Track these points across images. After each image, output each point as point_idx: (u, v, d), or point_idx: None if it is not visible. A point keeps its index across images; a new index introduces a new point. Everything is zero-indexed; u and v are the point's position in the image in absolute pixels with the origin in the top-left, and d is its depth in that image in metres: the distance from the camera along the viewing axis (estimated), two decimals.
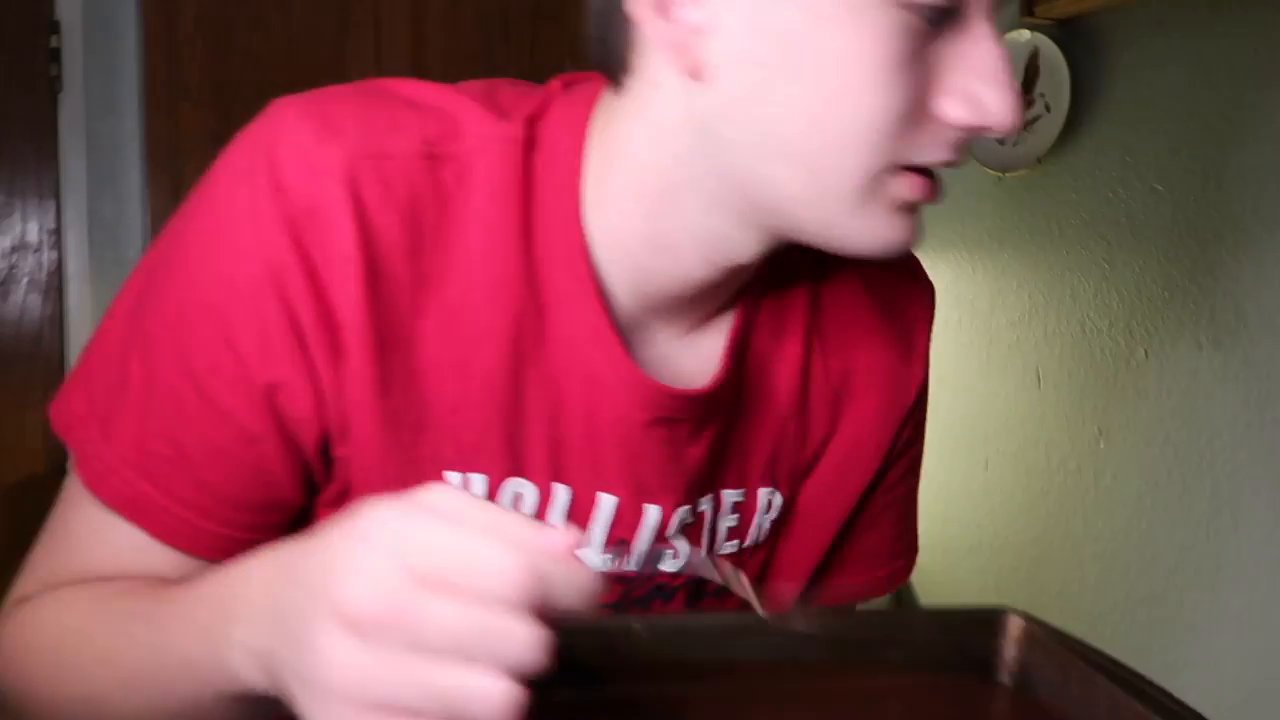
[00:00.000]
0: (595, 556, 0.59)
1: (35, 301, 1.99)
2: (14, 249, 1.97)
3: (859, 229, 0.52)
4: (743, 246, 0.55)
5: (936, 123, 0.50)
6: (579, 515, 0.59)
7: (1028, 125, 1.69)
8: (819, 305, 0.66)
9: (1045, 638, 0.45)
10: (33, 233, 1.99)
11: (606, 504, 0.59)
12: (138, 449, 0.53)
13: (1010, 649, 0.46)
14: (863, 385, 0.68)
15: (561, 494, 0.58)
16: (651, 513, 0.60)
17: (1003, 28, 1.72)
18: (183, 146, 1.82)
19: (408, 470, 0.54)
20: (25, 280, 1.99)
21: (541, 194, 0.54)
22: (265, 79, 1.87)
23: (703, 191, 0.53)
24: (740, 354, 0.62)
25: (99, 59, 2.00)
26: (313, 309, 0.50)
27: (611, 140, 0.54)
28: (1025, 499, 1.74)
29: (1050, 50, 1.63)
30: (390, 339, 0.52)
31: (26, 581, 0.60)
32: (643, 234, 0.54)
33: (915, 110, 0.49)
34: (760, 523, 0.66)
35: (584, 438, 0.57)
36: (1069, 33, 1.62)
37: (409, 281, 0.52)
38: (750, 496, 0.65)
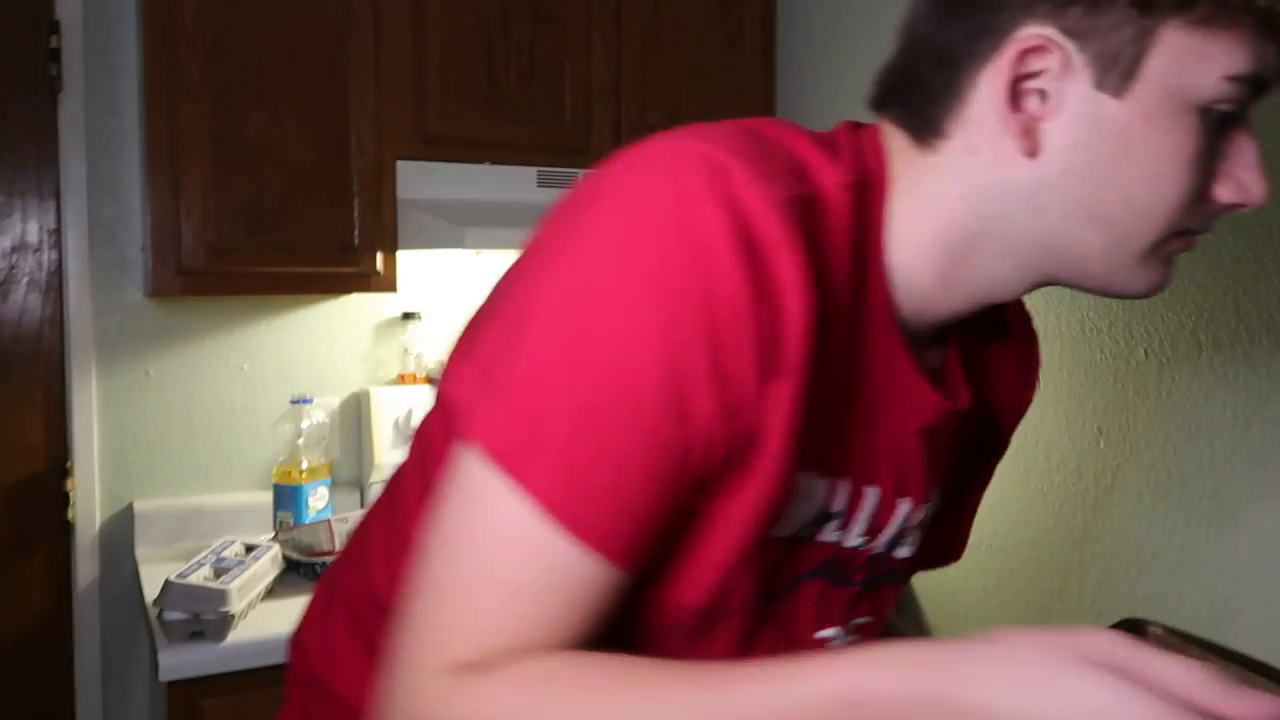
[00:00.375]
0: (856, 537, 0.68)
1: (35, 301, 1.99)
2: (14, 249, 1.97)
3: (1137, 278, 0.63)
4: (1013, 289, 0.65)
5: (1212, 202, 0.62)
6: (882, 514, 0.68)
7: None
8: (967, 335, 0.75)
9: (1179, 640, 0.53)
10: (33, 233, 1.99)
11: (871, 496, 0.68)
12: (595, 482, 0.52)
13: None
14: (1000, 406, 0.81)
15: (871, 495, 0.67)
16: (903, 506, 0.70)
17: None
18: (183, 146, 1.82)
19: (787, 480, 0.58)
20: (25, 280, 1.99)
21: (871, 238, 0.62)
22: (265, 79, 1.87)
23: (1004, 243, 0.62)
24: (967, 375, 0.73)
25: (99, 59, 2.01)
26: (772, 332, 0.53)
27: (921, 192, 0.63)
28: (1025, 499, 1.74)
29: None
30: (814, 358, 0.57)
31: (462, 644, 0.54)
32: (937, 274, 0.63)
33: (1202, 191, 0.61)
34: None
35: (880, 441, 0.66)
36: None
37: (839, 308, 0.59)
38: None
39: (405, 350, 2.23)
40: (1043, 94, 0.58)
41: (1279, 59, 0.58)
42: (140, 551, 2.04)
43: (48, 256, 2.00)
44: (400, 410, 2.17)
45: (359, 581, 0.76)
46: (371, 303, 2.22)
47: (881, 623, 0.75)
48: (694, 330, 0.51)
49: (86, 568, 2.03)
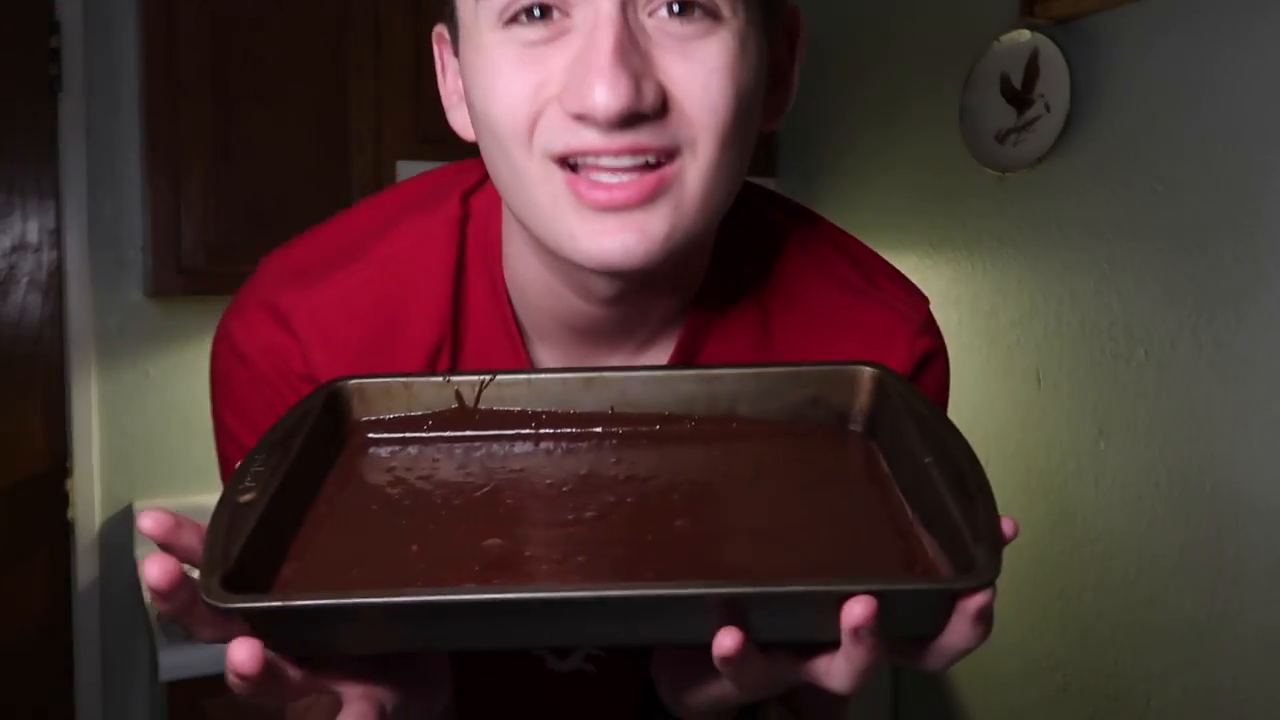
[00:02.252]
0: None
1: (35, 301, 1.99)
2: (14, 249, 1.97)
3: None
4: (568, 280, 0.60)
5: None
6: None
7: (1028, 125, 1.69)
8: (769, 328, 0.67)
9: (895, 391, 0.53)
10: (33, 233, 1.99)
11: None
12: None
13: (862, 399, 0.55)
14: None
15: None
16: None
17: (1003, 28, 1.73)
18: (183, 146, 1.82)
19: None
20: (25, 280, 1.99)
21: (472, 259, 0.63)
22: (265, 79, 1.87)
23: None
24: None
25: (99, 59, 2.00)
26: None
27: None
28: (1025, 499, 1.74)
29: (1050, 50, 1.63)
30: None
31: None
32: (535, 280, 0.60)
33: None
34: None
35: None
36: (1069, 33, 1.62)
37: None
38: None
39: None
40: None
41: None
42: (140, 551, 2.04)
43: (48, 256, 2.00)
44: None
45: None
46: None
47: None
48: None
49: (86, 568, 2.03)
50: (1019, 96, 1.70)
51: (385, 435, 0.55)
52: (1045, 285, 1.69)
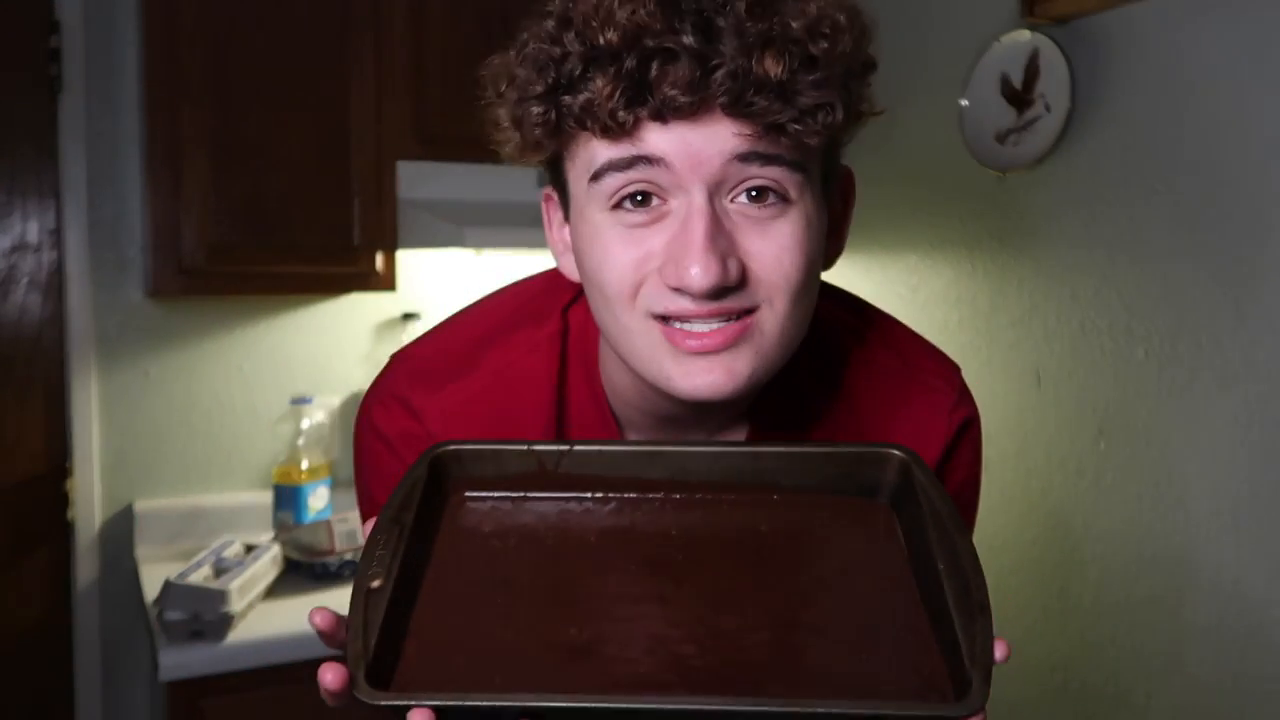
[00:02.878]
0: None
1: (35, 301, 1.99)
2: (14, 249, 1.97)
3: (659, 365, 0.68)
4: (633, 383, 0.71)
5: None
6: None
7: (1028, 125, 1.69)
8: (826, 420, 0.78)
9: (920, 477, 0.61)
10: (33, 233, 1.99)
11: None
12: None
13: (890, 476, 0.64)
14: None
15: None
16: None
17: (1003, 28, 1.73)
18: (183, 146, 1.82)
19: None
20: (25, 280, 1.99)
21: (572, 367, 0.75)
22: (265, 79, 1.87)
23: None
24: None
25: (99, 59, 2.01)
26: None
27: None
28: (1025, 499, 1.74)
29: (1050, 50, 1.63)
30: None
31: None
32: (629, 386, 0.72)
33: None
34: None
35: None
36: (1069, 33, 1.62)
37: None
38: None
39: None
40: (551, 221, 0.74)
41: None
42: (140, 551, 2.04)
43: (48, 256, 2.00)
44: None
45: None
46: (371, 303, 2.22)
47: None
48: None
49: (86, 568, 2.03)
50: (1019, 96, 1.70)
51: (480, 494, 0.65)
52: (1045, 285, 1.69)
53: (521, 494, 0.64)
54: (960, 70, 1.81)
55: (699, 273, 0.59)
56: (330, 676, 0.49)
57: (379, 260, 1.97)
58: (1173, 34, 1.48)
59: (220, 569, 1.72)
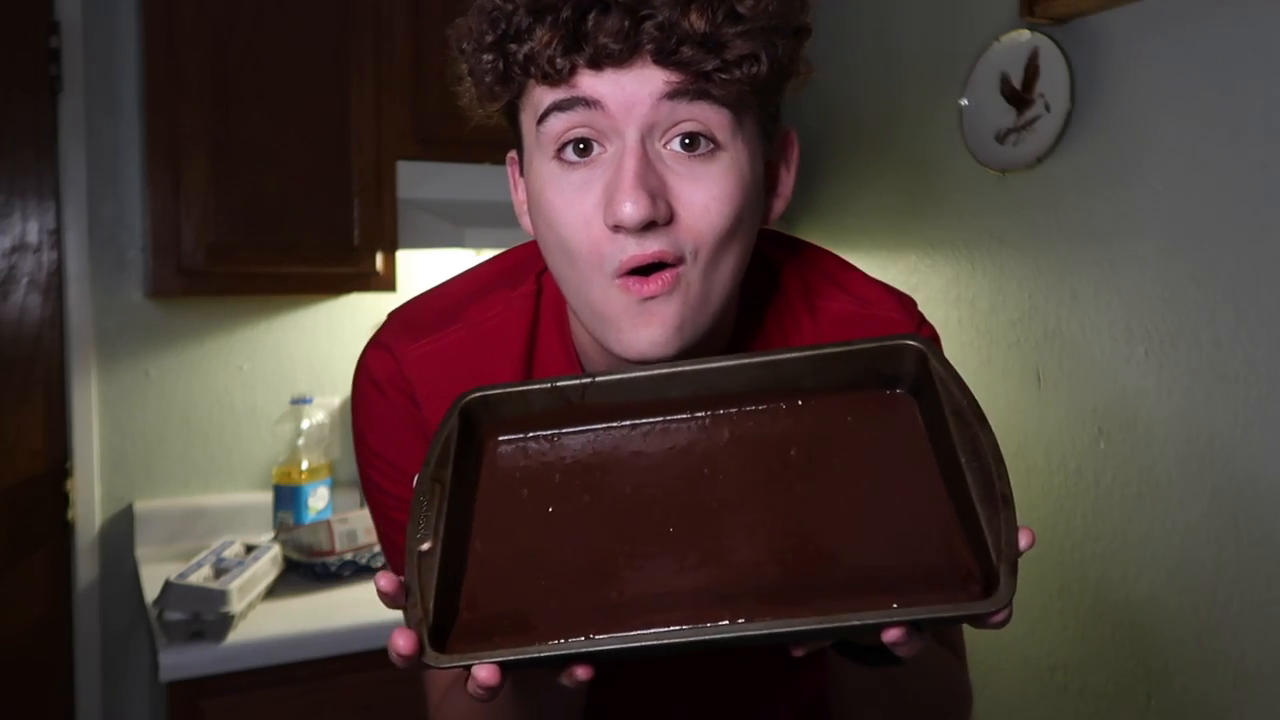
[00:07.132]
0: None
1: (35, 301, 1.99)
2: (14, 249, 1.97)
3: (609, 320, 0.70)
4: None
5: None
6: None
7: (1028, 125, 1.69)
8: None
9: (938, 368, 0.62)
10: (33, 233, 1.99)
11: None
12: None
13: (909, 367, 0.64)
14: None
15: None
16: None
17: (1003, 28, 1.73)
18: (183, 147, 1.82)
19: None
20: (25, 280, 1.99)
21: (544, 323, 0.80)
22: (265, 79, 1.87)
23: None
24: None
25: (99, 59, 2.01)
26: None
27: None
28: (1025, 499, 1.74)
29: (1050, 50, 1.63)
30: None
31: None
32: (589, 342, 0.76)
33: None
34: None
35: None
36: (1069, 33, 1.62)
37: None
38: None
39: None
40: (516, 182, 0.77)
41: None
42: (140, 551, 2.04)
43: (48, 256, 2.00)
44: None
45: None
46: (371, 303, 2.22)
47: None
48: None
49: (86, 568, 2.03)
50: (1019, 96, 1.70)
51: (511, 436, 0.66)
52: (1045, 285, 1.69)
53: (552, 431, 0.66)
54: (960, 70, 1.81)
55: (631, 208, 0.62)
56: (402, 642, 0.52)
57: (379, 260, 1.97)
58: (1173, 34, 1.48)
59: (220, 569, 1.72)
